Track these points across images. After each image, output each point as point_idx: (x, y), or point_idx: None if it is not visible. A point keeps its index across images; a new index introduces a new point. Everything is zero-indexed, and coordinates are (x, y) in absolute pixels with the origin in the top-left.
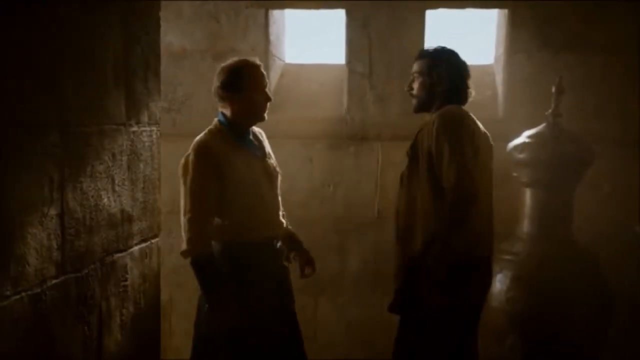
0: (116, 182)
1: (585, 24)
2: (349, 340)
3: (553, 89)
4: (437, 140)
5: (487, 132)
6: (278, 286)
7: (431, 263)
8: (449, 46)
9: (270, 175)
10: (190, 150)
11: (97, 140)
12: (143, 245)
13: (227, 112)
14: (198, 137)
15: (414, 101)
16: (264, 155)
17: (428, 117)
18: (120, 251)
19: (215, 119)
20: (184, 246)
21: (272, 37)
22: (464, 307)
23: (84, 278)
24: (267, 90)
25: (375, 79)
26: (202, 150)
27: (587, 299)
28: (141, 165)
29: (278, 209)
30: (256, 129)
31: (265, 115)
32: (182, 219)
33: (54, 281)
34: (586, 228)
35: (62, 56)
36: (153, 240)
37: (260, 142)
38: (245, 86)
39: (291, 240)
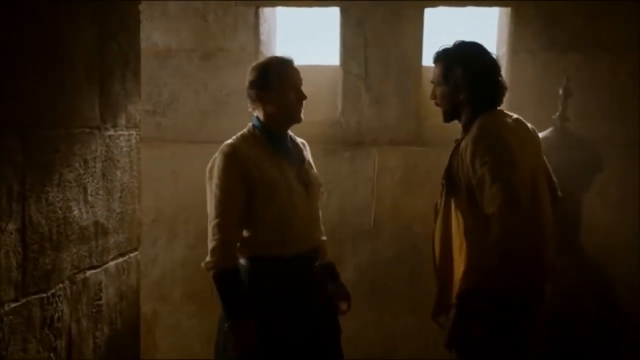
0: (89, 191)
1: (591, 23)
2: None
3: (560, 91)
4: (474, 168)
5: (531, 128)
6: (310, 311)
7: (477, 302)
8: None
9: (308, 184)
10: (217, 153)
11: (66, 145)
12: (120, 260)
13: (260, 114)
14: (226, 141)
15: (442, 111)
16: (301, 162)
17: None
18: (94, 267)
19: (250, 123)
20: (207, 258)
21: (263, 37)
22: (519, 345)
23: (50, 299)
24: (301, 88)
25: (371, 80)
26: (229, 152)
27: (598, 313)
28: (118, 173)
29: (315, 223)
30: (299, 139)
31: (302, 115)
32: (209, 227)
33: (12, 305)
34: (594, 238)
35: (22, 50)
36: (132, 255)
37: (300, 150)
38: (275, 84)
39: (327, 271)
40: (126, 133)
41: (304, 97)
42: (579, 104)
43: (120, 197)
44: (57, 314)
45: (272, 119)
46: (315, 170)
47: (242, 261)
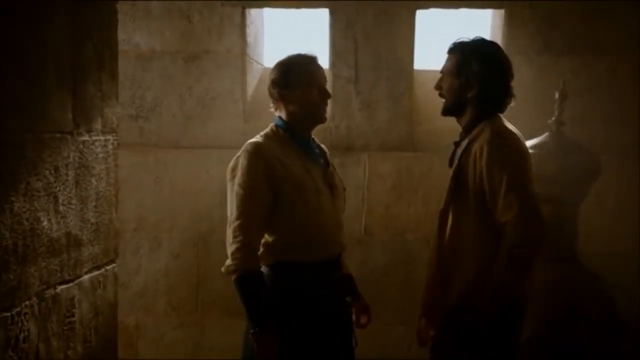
0: (60, 201)
1: (589, 24)
2: None
3: (556, 95)
4: (491, 174)
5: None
6: (335, 319)
7: (472, 316)
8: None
9: (334, 187)
10: (240, 152)
11: (34, 152)
12: (95, 273)
13: (283, 114)
14: (250, 140)
15: (443, 102)
16: (327, 164)
17: (459, 126)
18: (66, 282)
19: (272, 124)
20: (227, 261)
21: (250, 39)
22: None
23: (14, 317)
24: (325, 86)
25: (362, 84)
26: (254, 150)
27: (595, 324)
28: (93, 181)
29: (340, 227)
30: (321, 144)
31: (326, 115)
32: (228, 230)
33: None
34: (591, 247)
35: None
36: (108, 267)
37: (324, 153)
38: (298, 82)
39: (347, 282)
40: (102, 138)
41: (328, 95)
42: (575, 108)
43: (95, 207)
44: (22, 334)
45: (296, 118)
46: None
47: (263, 269)
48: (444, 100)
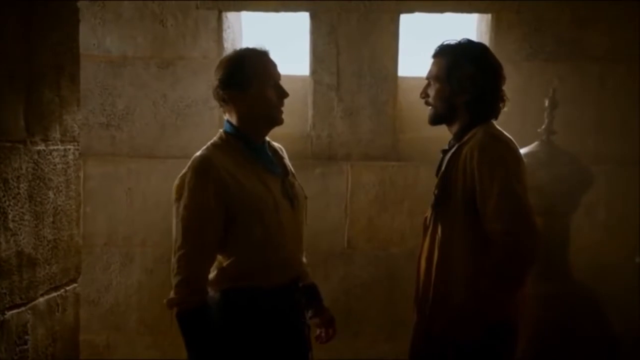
0: (10, 217)
1: (579, 28)
2: None
3: (546, 103)
4: (481, 179)
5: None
6: (292, 339)
7: (462, 337)
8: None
9: (293, 198)
10: (186, 167)
11: None
12: (53, 294)
13: (233, 118)
14: (197, 153)
15: (430, 111)
16: (285, 173)
17: (449, 133)
18: (16, 306)
19: (220, 130)
20: (171, 294)
21: (227, 44)
22: None
23: None
24: (280, 84)
25: (344, 91)
26: (203, 166)
27: (589, 340)
28: (50, 194)
29: (301, 244)
30: (275, 143)
31: (282, 116)
32: (172, 258)
33: None
34: (582, 260)
35: None
36: (68, 287)
37: (280, 158)
38: (251, 80)
39: (310, 293)
40: (61, 148)
41: (285, 94)
42: (564, 117)
43: (53, 222)
44: None
45: (249, 123)
46: (298, 180)
47: (212, 293)
48: (431, 108)
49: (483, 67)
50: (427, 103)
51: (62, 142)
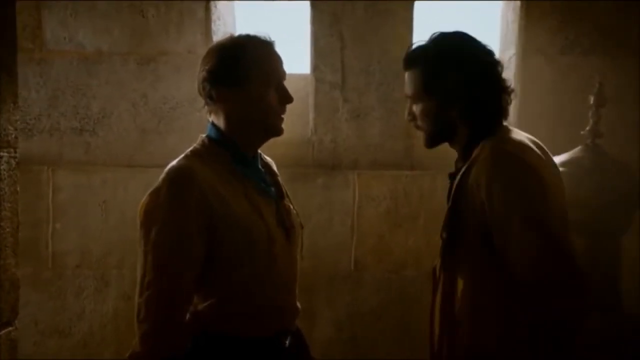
0: None
1: (621, 19)
2: None
3: (591, 101)
4: (492, 206)
5: (551, 158)
6: None
7: None
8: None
9: (290, 228)
10: (160, 181)
11: None
12: None
13: (220, 121)
14: (173, 163)
15: (423, 134)
16: (280, 194)
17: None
18: None
19: (202, 135)
20: (135, 346)
21: (216, 38)
22: None
23: None
24: (285, 86)
25: (350, 90)
26: (181, 179)
27: None
28: None
29: (295, 285)
30: (266, 157)
31: (283, 125)
32: (137, 299)
33: None
34: (636, 290)
35: None
36: (1, 332)
37: (273, 175)
38: (249, 76)
39: (296, 339)
40: None
41: (289, 98)
42: (604, 119)
43: None
44: None
45: (240, 128)
46: (293, 204)
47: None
48: (422, 132)
49: (468, 63)
50: (416, 126)
51: None
